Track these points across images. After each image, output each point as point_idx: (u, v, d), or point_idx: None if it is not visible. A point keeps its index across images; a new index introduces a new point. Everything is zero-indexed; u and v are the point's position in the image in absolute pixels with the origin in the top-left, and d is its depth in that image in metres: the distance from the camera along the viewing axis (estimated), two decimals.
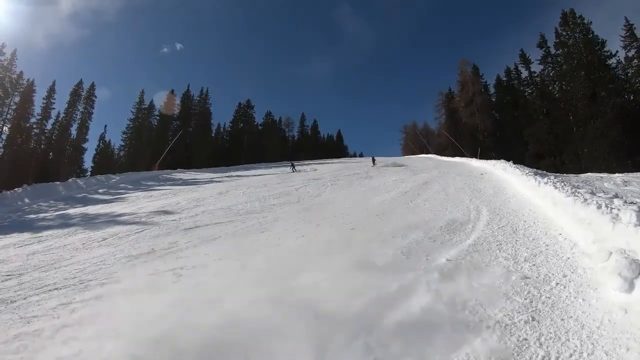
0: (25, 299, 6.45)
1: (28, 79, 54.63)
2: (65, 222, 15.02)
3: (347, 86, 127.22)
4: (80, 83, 60.83)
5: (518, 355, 3.79)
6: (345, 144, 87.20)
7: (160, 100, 64.68)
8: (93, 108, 61.45)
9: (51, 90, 57.32)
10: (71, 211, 18.42)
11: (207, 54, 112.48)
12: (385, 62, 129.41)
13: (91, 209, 18.75)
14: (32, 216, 17.87)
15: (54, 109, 57.61)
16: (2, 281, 7.44)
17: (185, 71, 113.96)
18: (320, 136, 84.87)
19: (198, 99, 70.31)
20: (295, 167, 36.58)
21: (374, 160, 37.34)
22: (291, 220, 11.87)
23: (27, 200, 23.56)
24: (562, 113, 48.14)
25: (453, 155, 39.04)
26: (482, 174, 19.39)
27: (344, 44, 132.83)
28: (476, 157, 32.02)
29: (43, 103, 56.49)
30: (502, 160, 21.94)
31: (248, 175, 31.53)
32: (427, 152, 52.12)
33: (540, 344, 3.93)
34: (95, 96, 61.83)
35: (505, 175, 16.73)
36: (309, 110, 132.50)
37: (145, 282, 7.17)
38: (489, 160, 25.19)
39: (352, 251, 7.96)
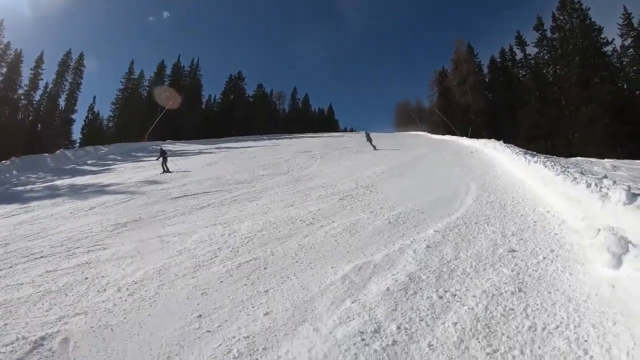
0: (11, 267, 6.45)
1: (16, 50, 53.72)
2: (53, 193, 15.01)
3: (340, 62, 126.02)
4: (68, 53, 59.79)
5: (504, 324, 3.77)
6: (336, 118, 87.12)
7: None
8: (82, 78, 60.47)
9: (39, 61, 56.17)
10: (59, 182, 18.35)
11: (197, 24, 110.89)
12: (379, 40, 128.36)
13: (79, 180, 18.69)
14: (20, 188, 17.77)
15: (42, 79, 56.64)
16: None
17: (175, 42, 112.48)
18: (311, 110, 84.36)
19: (189, 69, 69.47)
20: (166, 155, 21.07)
21: (369, 138, 26.72)
22: (280, 190, 11.83)
23: (15, 173, 23.34)
24: (555, 97, 48.27)
25: (444, 134, 38.76)
26: (472, 152, 19.37)
27: (339, 20, 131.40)
28: (467, 136, 31.90)
29: (31, 74, 55.44)
30: (493, 140, 21.92)
31: (237, 147, 31.46)
32: (419, 130, 51.86)
33: (527, 315, 3.90)
34: (84, 66, 60.73)
35: (495, 154, 16.70)
36: (302, 85, 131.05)
37: (131, 250, 7.17)
38: (479, 139, 25.18)
39: (340, 220, 7.96)
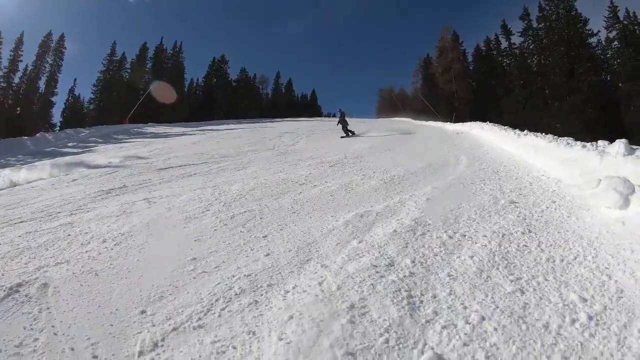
0: None
1: None
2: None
3: (323, 47, 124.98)
4: (49, 34, 57.36)
5: (521, 257, 3.71)
6: (319, 104, 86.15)
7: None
8: (62, 60, 58.01)
9: (19, 42, 53.59)
10: (39, 163, 17.79)
11: (179, 6, 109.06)
12: (363, 26, 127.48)
13: (60, 160, 18.22)
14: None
15: (21, 61, 53.94)
16: None
17: (158, 25, 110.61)
18: (295, 95, 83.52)
19: (171, 52, 68.56)
20: None
21: (343, 121, 21.05)
22: (267, 161, 11.62)
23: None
24: (539, 87, 48.58)
25: (428, 121, 38.89)
26: (458, 134, 19.41)
27: (322, 3, 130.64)
28: (451, 122, 32.00)
29: (10, 55, 52.87)
30: (478, 122, 21.97)
31: (221, 129, 31.17)
32: (402, 116, 51.85)
33: (542, 250, 3.86)
34: (65, 48, 58.42)
35: (482, 133, 16.76)
36: (284, 70, 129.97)
37: (117, 209, 6.90)
38: (464, 123, 25.27)
39: (334, 181, 7.85)
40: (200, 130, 31.97)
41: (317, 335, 2.69)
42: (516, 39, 55.65)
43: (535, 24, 52.41)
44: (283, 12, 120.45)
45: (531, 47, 52.86)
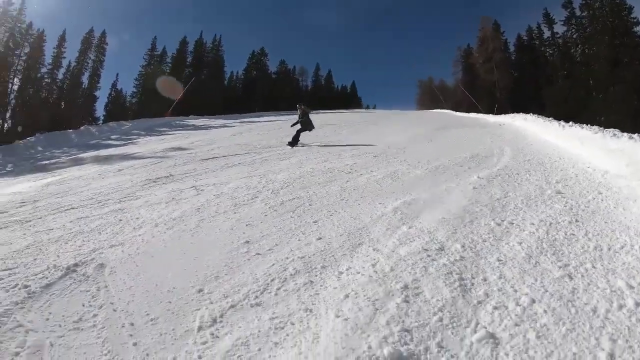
0: (40, 218, 6.36)
1: (38, 30, 52.74)
2: (78, 163, 14.99)
3: (363, 38, 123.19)
4: (91, 31, 58.72)
5: (569, 245, 3.78)
6: (359, 95, 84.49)
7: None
8: (104, 56, 59.41)
9: (62, 39, 55.18)
10: (84, 155, 18.35)
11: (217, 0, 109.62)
12: (403, 15, 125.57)
13: (104, 152, 18.71)
14: (45, 162, 17.69)
15: (64, 58, 55.61)
16: (17, 207, 7.34)
17: (197, 18, 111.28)
18: (334, 86, 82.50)
19: (211, 46, 69.17)
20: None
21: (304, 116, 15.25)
22: (311, 152, 11.77)
23: (39, 149, 23.41)
24: (583, 77, 47.28)
25: (468, 112, 38.25)
26: (500, 125, 19.15)
27: None
28: (493, 114, 31.48)
29: (54, 52, 54.46)
30: (521, 113, 21.62)
31: (261, 121, 31.39)
32: (442, 108, 51.10)
33: (589, 239, 3.90)
34: (107, 44, 59.65)
35: (526, 124, 16.53)
36: (324, 61, 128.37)
37: (165, 197, 7.17)
38: (506, 114, 24.90)
39: (379, 170, 7.94)
40: (240, 122, 32.24)
41: (374, 313, 2.80)
42: (559, 28, 54.00)
43: (578, 12, 50.89)
44: (322, 4, 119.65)
45: (574, 36, 51.33)
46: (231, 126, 28.11)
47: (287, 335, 2.70)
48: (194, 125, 31.54)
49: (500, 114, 29.55)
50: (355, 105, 69.59)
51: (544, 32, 56.44)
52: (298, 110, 15.67)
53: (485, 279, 3.19)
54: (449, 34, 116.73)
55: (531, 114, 19.71)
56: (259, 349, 2.58)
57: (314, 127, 15.30)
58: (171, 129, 29.27)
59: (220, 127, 28.18)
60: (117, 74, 66.84)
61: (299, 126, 14.89)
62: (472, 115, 33.29)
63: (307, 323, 2.81)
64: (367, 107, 55.07)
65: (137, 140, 23.58)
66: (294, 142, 14.07)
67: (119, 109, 59.35)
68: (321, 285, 3.33)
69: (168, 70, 63.53)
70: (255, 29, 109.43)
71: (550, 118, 15.71)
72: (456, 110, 42.14)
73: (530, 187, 5.99)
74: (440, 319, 2.68)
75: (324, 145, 13.52)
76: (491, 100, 49.57)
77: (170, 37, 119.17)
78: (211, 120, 36.34)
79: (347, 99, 74.80)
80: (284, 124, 26.66)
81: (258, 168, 9.53)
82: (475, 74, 58.60)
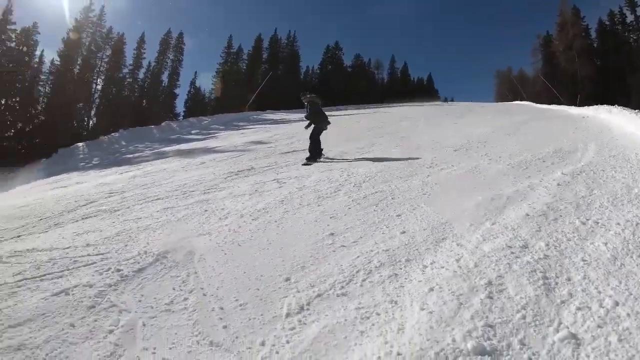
0: (128, 207, 6.80)
1: (118, 33, 57.21)
2: (161, 156, 15.77)
3: (438, 28, 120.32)
4: (168, 32, 62.57)
5: None
6: (436, 88, 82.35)
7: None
8: (182, 55, 63.19)
9: (141, 42, 59.53)
10: (167, 149, 19.14)
11: None
12: (479, 3, 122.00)
13: (185, 146, 19.46)
14: (129, 155, 18.72)
15: (144, 58, 59.93)
16: (105, 198, 7.88)
17: (270, 15, 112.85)
18: (410, 79, 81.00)
19: (286, 42, 70.27)
20: None
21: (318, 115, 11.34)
22: (390, 145, 11.88)
23: (123, 143, 24.73)
24: None
25: (549, 103, 36.86)
26: (583, 117, 18.42)
27: None
28: (575, 105, 30.28)
29: (134, 54, 58.83)
30: (606, 105, 20.74)
31: (338, 115, 31.47)
32: (522, 99, 49.36)
33: None
34: (184, 44, 63.34)
35: (610, 117, 15.79)
36: (399, 53, 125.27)
37: (249, 189, 7.50)
38: (590, 107, 23.93)
39: (460, 165, 7.96)
40: None
41: (458, 307, 2.85)
42: None
43: None
44: None
45: None
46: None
47: (373, 325, 2.80)
48: (271, 119, 32.10)
49: (583, 105, 28.42)
50: (432, 98, 68.24)
51: (626, 16, 53.19)
52: (304, 102, 11.44)
53: (569, 279, 3.19)
54: (527, 21, 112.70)
55: (616, 105, 18.88)
56: (345, 337, 2.69)
57: (329, 123, 11.37)
58: (249, 124, 29.93)
59: (298, 121, 28.45)
60: (195, 72, 71.21)
61: (312, 128, 11.09)
62: (554, 107, 32.03)
63: (393, 314, 2.90)
64: (446, 100, 53.48)
65: (217, 134, 24.30)
66: (314, 154, 10.47)
67: (198, 105, 62.48)
68: (405, 278, 3.42)
69: (245, 68, 65.27)
70: (329, 23, 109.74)
71: (637, 110, 15.03)
72: (536, 102, 40.79)
73: (617, 185, 5.84)
74: (524, 317, 2.72)
75: (402, 138, 13.56)
76: (573, 90, 47.59)
77: (245, 35, 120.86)
78: (289, 114, 36.78)
79: (424, 92, 73.42)
80: (361, 117, 26.74)
81: (338, 161, 9.76)
82: (555, 63, 56.13)
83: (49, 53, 51.63)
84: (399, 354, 2.43)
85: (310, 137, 10.83)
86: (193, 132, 27.80)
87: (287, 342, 2.71)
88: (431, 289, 3.16)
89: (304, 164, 9.89)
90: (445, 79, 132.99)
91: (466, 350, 2.39)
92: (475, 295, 3.00)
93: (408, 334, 2.61)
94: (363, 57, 75.73)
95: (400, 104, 42.46)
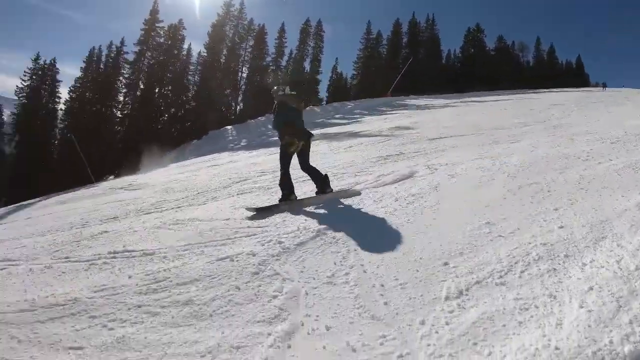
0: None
1: (259, 24, 62.94)
2: None
3: (586, 4, 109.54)
4: (307, 21, 66.37)
5: None
6: (586, 72, 76.15)
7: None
8: (322, 42, 66.58)
9: (281, 32, 64.45)
10: (312, 132, 19.79)
11: None
12: None
13: (331, 130, 20.13)
14: (275, 138, 19.44)
15: (286, 47, 64.95)
16: (258, 176, 9.00)
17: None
18: (558, 62, 75.96)
19: (425, 25, 69.56)
20: None
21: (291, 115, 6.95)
22: (541, 134, 11.44)
23: (269, 126, 26.12)
24: None
25: None
26: None
27: None
28: None
29: (276, 43, 64.18)
30: None
31: (483, 101, 30.64)
32: None
33: None
34: (324, 31, 66.69)
35: None
36: (544, 35, 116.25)
37: (402, 172, 7.90)
38: None
39: (618, 159, 7.40)
40: (462, 102, 31.91)
41: (617, 310, 2.77)
42: None
43: None
44: None
45: None
46: (454, 106, 28.05)
47: (532, 317, 2.84)
48: (415, 104, 32.04)
49: None
50: (583, 84, 63.30)
51: None
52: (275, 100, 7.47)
53: None
54: None
55: None
56: (504, 325, 2.77)
57: (312, 135, 7.57)
58: (392, 109, 30.19)
59: (442, 107, 28.28)
60: (337, 58, 72.89)
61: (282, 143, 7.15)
62: None
63: (551, 308, 2.92)
64: (602, 85, 49.36)
65: (361, 119, 24.79)
66: (285, 191, 6.75)
67: (340, 91, 64.33)
68: (564, 274, 3.40)
69: (385, 53, 65.93)
70: (466, 6, 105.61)
71: None
72: None
73: None
74: None
75: (554, 127, 13.05)
76: None
77: (384, 20, 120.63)
78: (432, 99, 36.54)
79: (573, 77, 68.21)
80: (508, 103, 25.80)
81: (489, 150, 9.65)
82: None
83: (196, 46, 58.00)
84: (557, 348, 2.48)
85: (281, 161, 6.97)
86: (337, 116, 28.71)
87: (447, 323, 2.85)
88: (590, 288, 3.12)
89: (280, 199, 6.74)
90: (597, 62, 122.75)
91: (622, 354, 2.37)
92: (635, 299, 2.90)
93: (566, 330, 2.63)
94: (506, 39, 72.39)
95: (549, 90, 40.25)
